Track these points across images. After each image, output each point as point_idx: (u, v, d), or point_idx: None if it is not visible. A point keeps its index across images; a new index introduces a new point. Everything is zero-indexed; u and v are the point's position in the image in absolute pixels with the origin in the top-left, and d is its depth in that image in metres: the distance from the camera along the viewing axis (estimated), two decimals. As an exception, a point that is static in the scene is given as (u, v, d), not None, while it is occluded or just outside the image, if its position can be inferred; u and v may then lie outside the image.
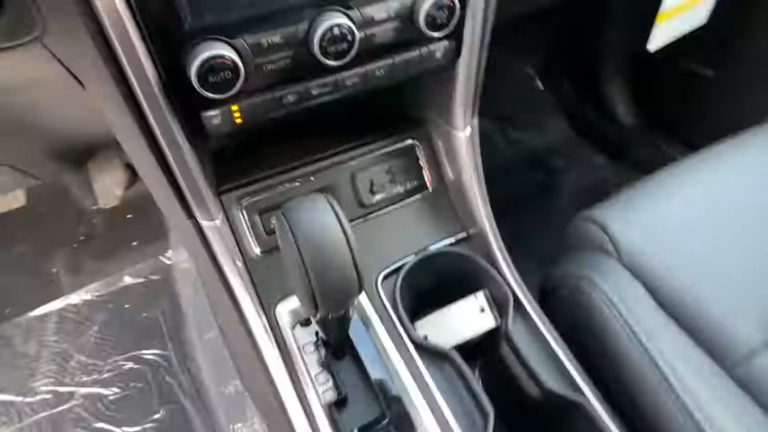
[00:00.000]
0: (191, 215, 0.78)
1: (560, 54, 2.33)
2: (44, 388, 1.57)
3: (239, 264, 0.83)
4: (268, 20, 0.64)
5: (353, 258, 0.60)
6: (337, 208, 0.62)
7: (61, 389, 1.58)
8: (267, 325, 0.83)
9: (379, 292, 0.86)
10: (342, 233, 0.60)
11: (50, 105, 0.72)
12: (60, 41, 0.62)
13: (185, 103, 0.66)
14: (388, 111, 1.01)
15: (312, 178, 0.92)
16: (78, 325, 1.69)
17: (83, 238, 1.78)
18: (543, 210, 1.84)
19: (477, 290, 0.91)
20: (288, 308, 0.86)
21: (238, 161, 0.93)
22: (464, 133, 0.92)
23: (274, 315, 0.84)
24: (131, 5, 0.57)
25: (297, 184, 0.92)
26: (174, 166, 0.71)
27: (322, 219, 0.60)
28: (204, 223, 0.79)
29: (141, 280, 1.72)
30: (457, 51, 0.81)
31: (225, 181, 0.89)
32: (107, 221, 1.80)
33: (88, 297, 1.72)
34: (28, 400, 1.57)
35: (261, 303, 0.85)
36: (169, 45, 0.61)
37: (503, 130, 2.29)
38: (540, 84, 2.52)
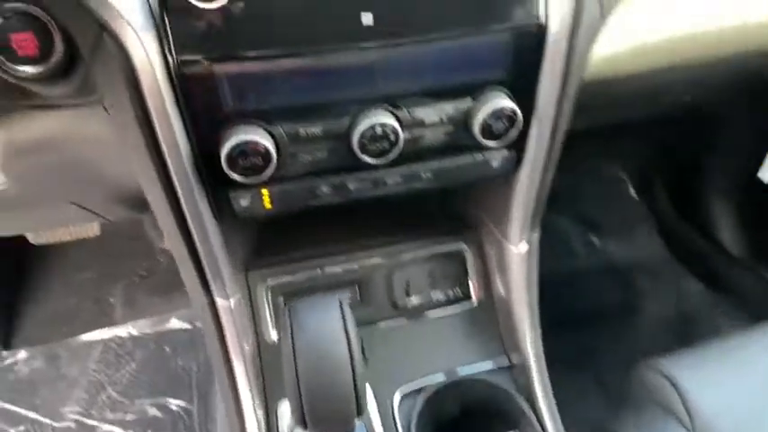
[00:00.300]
0: (207, 291, 0.74)
1: (659, 163, 2.16)
2: (72, 416, 1.58)
3: (248, 349, 0.78)
4: (310, 110, 0.61)
5: (354, 379, 0.53)
6: (349, 318, 0.55)
7: (87, 420, 1.58)
8: (264, 422, 0.75)
9: (393, 414, 0.76)
10: (347, 348, 0.53)
11: (113, 159, 0.72)
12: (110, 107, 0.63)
13: (215, 182, 0.63)
14: (437, 207, 0.94)
15: (344, 268, 0.87)
16: (119, 358, 1.71)
17: (144, 273, 1.84)
18: (613, 336, 1.64)
19: (510, 431, 0.79)
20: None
21: (271, 237, 0.90)
22: (519, 249, 0.83)
23: (275, 412, 0.77)
24: (173, 83, 0.56)
25: (328, 271, 0.86)
26: (197, 242, 0.68)
27: (328, 328, 0.54)
28: (219, 301, 0.75)
29: (186, 326, 1.72)
30: (517, 162, 0.73)
31: (254, 257, 0.86)
32: (170, 261, 1.86)
33: (135, 332, 1.75)
34: (55, 424, 1.58)
35: (265, 395, 0.78)
36: (206, 124, 0.59)
37: (584, 235, 2.12)
38: (632, 191, 2.33)
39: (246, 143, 0.58)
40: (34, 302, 1.76)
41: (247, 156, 0.59)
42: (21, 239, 1.63)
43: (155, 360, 1.68)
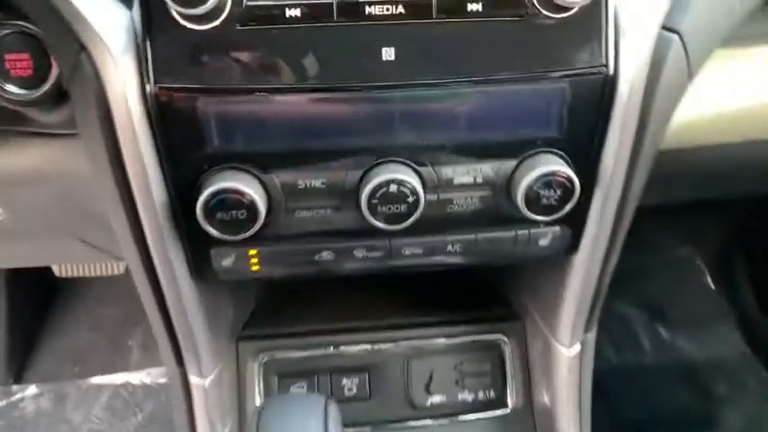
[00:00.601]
0: (180, 362, 0.62)
1: (740, 247, 1.91)
2: (64, 467, 1.48)
3: None
4: (312, 158, 0.51)
5: None
6: (335, 427, 0.42)
7: (79, 473, 1.47)
8: None
9: None
10: None
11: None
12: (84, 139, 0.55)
13: (194, 237, 0.53)
14: (472, 285, 0.80)
15: (355, 349, 0.73)
16: (126, 408, 1.62)
17: (166, 318, 1.77)
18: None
19: None
20: None
21: (273, 303, 0.78)
22: (570, 351, 0.66)
23: None
24: (150, 114, 0.46)
25: (333, 350, 0.73)
26: (169, 305, 0.57)
27: None
28: (192, 379, 0.63)
29: (199, 380, 1.61)
30: (573, 243, 0.58)
31: (250, 323, 0.74)
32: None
33: (147, 381, 1.66)
34: (46, 472, 1.48)
35: None
36: (185, 165, 0.50)
37: (649, 325, 1.87)
38: (710, 280, 2.07)
39: (227, 192, 0.47)
40: (52, 336, 1.72)
41: (228, 207, 0.48)
42: (46, 271, 1.61)
43: (161, 415, 1.57)
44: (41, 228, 0.77)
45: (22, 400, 1.66)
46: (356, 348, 0.74)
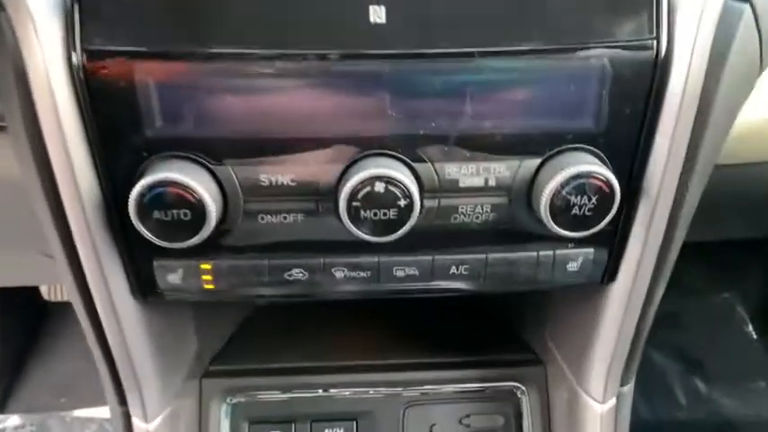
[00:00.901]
0: (122, 401, 0.51)
1: (787, 294, 1.76)
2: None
3: None
4: (279, 147, 0.40)
5: None
6: None
7: None
8: None
9: None
10: None
11: None
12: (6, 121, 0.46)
13: (133, 244, 0.42)
14: (484, 320, 0.68)
15: (344, 393, 0.61)
16: (109, 444, 1.51)
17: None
18: None
19: None
20: None
21: (249, 335, 0.66)
22: (602, 407, 0.53)
23: None
24: (76, 86, 0.37)
25: (317, 394, 0.61)
26: (106, 330, 0.47)
27: None
28: (135, 422, 0.51)
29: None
30: (610, 270, 0.47)
31: (218, 358, 0.62)
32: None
33: (133, 416, 1.54)
34: None
35: None
36: (120, 151, 0.40)
37: (685, 377, 1.72)
38: (751, 328, 1.91)
39: (166, 184, 0.37)
40: (40, 363, 1.64)
41: (168, 205, 0.37)
42: (36, 294, 1.54)
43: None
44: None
45: (3, 430, 1.57)
46: (345, 392, 0.62)
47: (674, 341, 1.70)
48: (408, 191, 0.39)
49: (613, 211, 0.41)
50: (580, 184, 0.39)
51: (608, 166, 0.41)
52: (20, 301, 1.52)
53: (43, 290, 1.51)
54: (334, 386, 0.62)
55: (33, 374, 1.67)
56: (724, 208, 0.72)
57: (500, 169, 0.42)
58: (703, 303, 1.82)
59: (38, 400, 1.62)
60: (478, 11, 0.38)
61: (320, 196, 0.42)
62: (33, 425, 1.59)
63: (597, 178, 0.39)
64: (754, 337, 1.89)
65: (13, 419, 1.60)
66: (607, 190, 0.40)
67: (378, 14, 0.37)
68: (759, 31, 0.43)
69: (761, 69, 0.45)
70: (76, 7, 0.37)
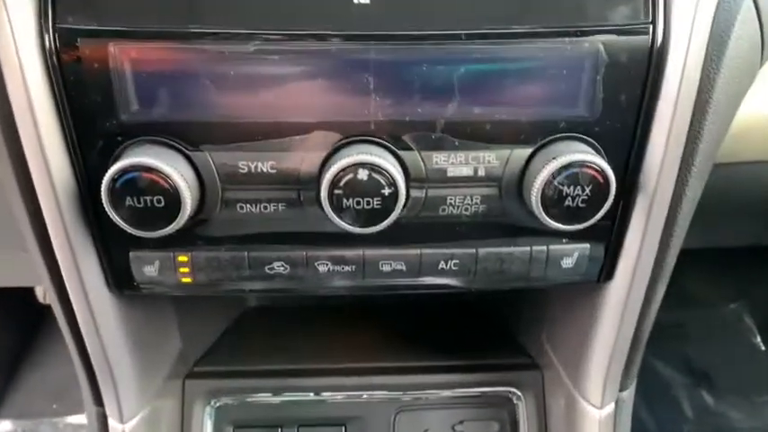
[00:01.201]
0: (98, 401, 0.49)
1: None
2: None
3: None
4: (259, 132, 0.39)
5: None
6: None
7: None
8: None
9: None
10: None
11: None
12: None
13: (108, 234, 0.41)
14: (478, 322, 0.66)
15: (333, 398, 0.59)
16: (100, 451, 1.48)
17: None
18: None
19: None
20: None
21: (238, 334, 0.64)
22: (600, 413, 0.51)
23: None
24: (49, 66, 0.35)
25: (307, 398, 0.59)
26: (80, 324, 0.45)
27: None
28: (111, 423, 0.49)
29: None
30: (607, 267, 0.44)
31: (204, 359, 0.60)
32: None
33: (126, 423, 1.52)
34: None
35: None
36: (93, 135, 0.38)
37: (692, 390, 1.68)
38: (760, 341, 1.87)
39: (138, 168, 0.35)
40: (34, 368, 1.62)
41: (140, 191, 0.36)
42: (31, 297, 1.52)
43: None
44: None
45: (-6, 436, 1.54)
46: (336, 396, 0.59)
47: (680, 352, 1.67)
48: (393, 179, 0.37)
49: (609, 203, 0.39)
50: (573, 173, 0.37)
51: (602, 156, 0.39)
52: (14, 304, 1.51)
53: (38, 293, 1.50)
54: (325, 389, 0.60)
55: (26, 380, 1.65)
56: (726, 210, 0.70)
57: (490, 158, 0.40)
58: (710, 314, 1.79)
59: (30, 406, 1.60)
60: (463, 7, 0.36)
61: (302, 185, 0.40)
62: (25, 430, 1.57)
63: (591, 167, 0.37)
64: (762, 348, 1.85)
65: (5, 425, 1.58)
66: (601, 180, 0.38)
67: None
68: (759, 17, 0.41)
69: (763, 57, 0.43)
70: None
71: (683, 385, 1.71)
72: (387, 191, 0.37)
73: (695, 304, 1.66)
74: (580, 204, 0.38)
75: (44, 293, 1.56)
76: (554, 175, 0.38)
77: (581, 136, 0.40)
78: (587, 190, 0.38)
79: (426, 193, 0.41)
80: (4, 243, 0.70)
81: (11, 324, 1.58)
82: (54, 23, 0.36)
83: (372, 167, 0.37)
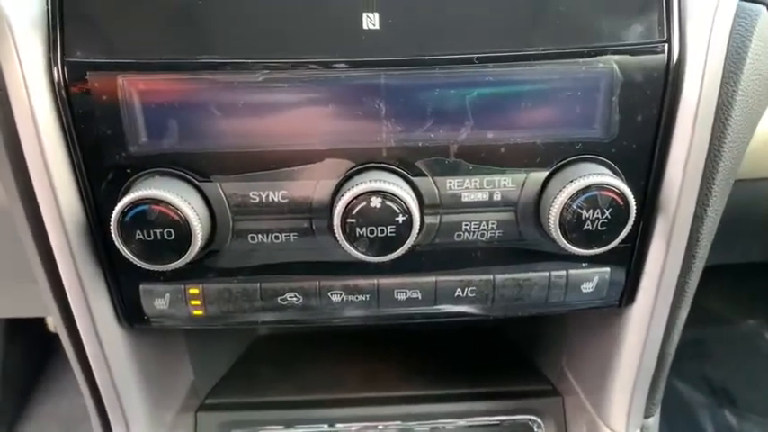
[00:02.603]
0: (107, 428, 0.48)
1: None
2: None
3: None
4: (270, 162, 0.38)
5: None
6: None
7: None
8: None
9: None
10: None
11: None
12: None
13: (118, 268, 0.41)
14: (498, 348, 0.65)
15: (347, 429, 0.58)
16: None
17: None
18: None
19: None
20: None
21: (251, 364, 0.63)
22: None
23: None
24: (58, 99, 0.35)
25: (321, 429, 0.57)
26: (89, 356, 0.44)
27: None
28: None
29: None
30: (628, 291, 0.43)
31: (216, 390, 0.59)
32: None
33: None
34: None
35: None
36: (103, 167, 0.38)
37: (715, 410, 1.63)
38: None
39: (148, 201, 0.35)
40: (45, 398, 1.60)
41: (150, 224, 0.35)
42: (43, 327, 1.52)
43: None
44: None
45: (7, 465, 1.52)
46: (351, 427, 0.58)
47: (700, 371, 1.62)
48: (406, 206, 0.36)
49: (629, 226, 0.38)
50: (591, 196, 0.36)
51: (621, 178, 0.39)
52: (25, 333, 1.51)
53: (49, 323, 1.49)
54: (339, 420, 0.59)
55: (38, 409, 1.64)
56: (745, 226, 0.68)
57: (505, 182, 0.39)
58: (729, 330, 1.74)
59: (40, 437, 1.58)
60: (477, 14, 0.36)
61: (314, 214, 0.39)
62: (37, 461, 1.55)
63: (610, 190, 0.36)
64: (786, 365, 1.79)
65: (17, 455, 1.56)
66: (621, 202, 0.37)
67: (371, 21, 0.36)
68: None
69: None
70: (58, 20, 0.36)
71: (705, 405, 1.66)
72: (400, 218, 0.36)
73: (714, 321, 1.62)
74: (600, 228, 0.37)
75: (55, 324, 1.55)
76: (572, 199, 0.37)
77: (598, 157, 0.39)
78: (607, 213, 0.37)
79: (441, 220, 0.40)
80: (14, 274, 0.70)
81: (22, 353, 1.57)
82: (63, 57, 0.36)
83: (385, 195, 0.36)
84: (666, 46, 0.37)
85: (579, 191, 0.36)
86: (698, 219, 0.42)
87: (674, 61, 0.37)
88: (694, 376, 1.62)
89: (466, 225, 0.40)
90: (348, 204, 0.36)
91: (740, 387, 1.70)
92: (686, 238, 0.42)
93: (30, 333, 1.58)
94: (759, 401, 1.65)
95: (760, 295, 1.70)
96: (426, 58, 0.36)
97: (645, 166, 0.40)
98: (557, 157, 0.39)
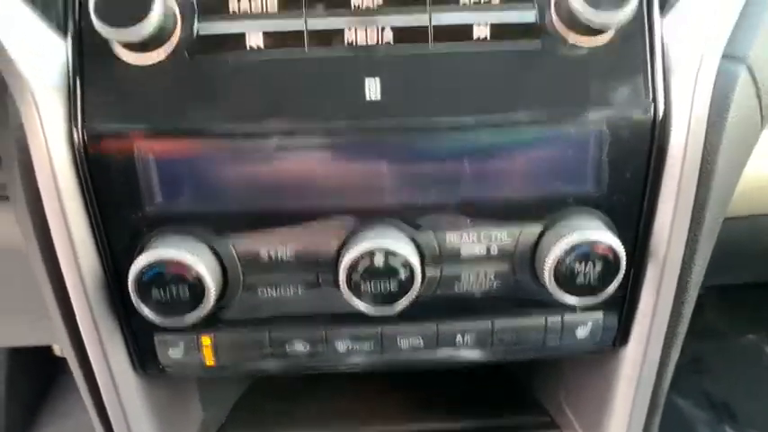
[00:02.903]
0: None
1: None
2: None
3: None
4: (278, 221, 0.40)
5: None
6: None
7: None
8: None
9: None
10: None
11: None
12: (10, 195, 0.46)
13: (134, 319, 0.42)
14: (497, 382, 0.66)
15: None
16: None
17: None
18: None
19: None
20: None
21: (258, 400, 0.65)
22: None
23: None
24: (77, 161, 0.38)
25: None
26: (106, 403, 0.46)
27: None
28: None
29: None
30: (621, 334, 0.45)
31: (226, 427, 0.61)
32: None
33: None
34: None
35: None
36: (119, 226, 0.40)
37: (716, 427, 1.63)
38: None
39: (164, 264, 0.37)
40: (50, 421, 1.60)
41: (166, 284, 0.37)
42: (46, 351, 1.52)
43: None
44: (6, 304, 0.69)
45: (9, 491, 1.51)
46: None
47: (700, 387, 1.63)
48: (408, 262, 0.38)
49: (620, 277, 0.40)
50: (584, 252, 0.38)
51: (612, 229, 0.40)
52: (30, 357, 1.51)
53: (55, 348, 1.50)
54: None
55: (44, 430, 1.64)
56: (735, 257, 0.70)
57: (502, 236, 0.41)
58: (728, 345, 1.75)
59: (48, 460, 1.58)
60: (473, 82, 0.38)
61: (320, 268, 0.41)
62: (42, 485, 1.55)
63: (601, 246, 0.39)
64: (787, 379, 1.79)
65: (23, 480, 1.56)
66: (611, 257, 0.39)
67: (373, 91, 0.38)
68: (757, 89, 0.42)
69: (762, 125, 0.45)
70: (78, 86, 0.38)
71: (705, 421, 1.66)
72: (403, 274, 0.38)
73: (712, 336, 1.63)
74: (592, 281, 0.39)
75: (61, 348, 1.56)
76: (565, 254, 0.38)
77: (591, 209, 0.41)
78: (598, 266, 0.39)
79: (441, 272, 0.42)
80: (25, 308, 0.72)
81: (26, 378, 1.58)
82: (83, 122, 0.38)
83: (388, 252, 0.38)
84: (652, 105, 0.39)
85: (572, 247, 0.38)
86: (686, 264, 0.44)
87: (660, 119, 0.39)
88: (694, 392, 1.62)
89: (465, 276, 0.42)
90: (353, 261, 0.38)
91: (740, 401, 1.70)
92: (675, 285, 0.44)
93: (35, 354, 1.58)
94: (759, 415, 1.65)
95: (759, 309, 1.71)
96: (425, 125, 0.38)
97: (635, 217, 0.41)
98: (550, 211, 0.41)
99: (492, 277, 0.42)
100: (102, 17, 0.35)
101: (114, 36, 0.35)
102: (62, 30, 0.39)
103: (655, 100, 0.39)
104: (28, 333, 0.96)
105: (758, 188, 0.55)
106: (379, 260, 0.38)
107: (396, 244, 0.38)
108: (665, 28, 0.40)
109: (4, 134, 0.40)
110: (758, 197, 0.56)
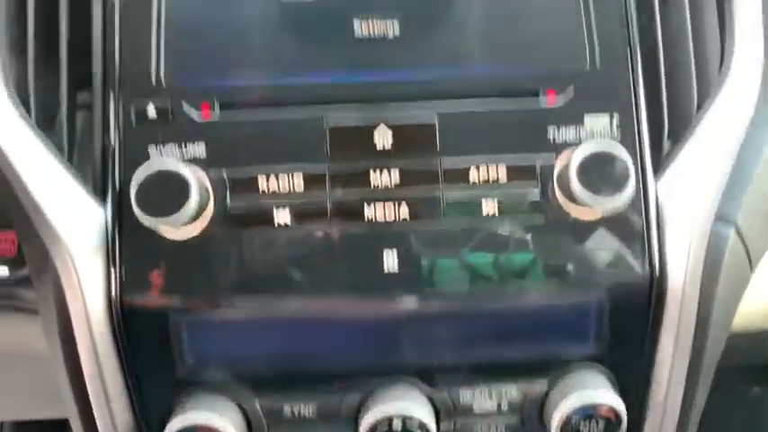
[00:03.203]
0: None
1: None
2: None
3: None
4: (300, 381, 0.44)
5: None
6: None
7: None
8: None
9: None
10: None
11: None
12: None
13: None
14: None
15: None
16: None
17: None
18: None
19: None
20: None
21: None
22: None
23: None
24: (115, 326, 0.41)
25: None
26: None
27: None
28: None
29: None
30: None
31: None
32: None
33: None
34: None
35: None
36: (152, 386, 0.44)
37: None
38: None
39: (196, 428, 0.39)
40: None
41: None
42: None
43: None
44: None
45: None
46: None
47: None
48: (424, 424, 0.41)
49: (623, 429, 0.43)
50: (588, 414, 0.41)
51: (615, 386, 0.43)
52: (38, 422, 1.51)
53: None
54: None
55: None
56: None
57: (511, 393, 0.44)
58: (732, 400, 1.74)
59: None
60: (485, 258, 0.41)
61: (340, 424, 0.44)
62: None
63: (603, 409, 0.41)
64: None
65: None
66: (614, 419, 0.41)
67: (391, 261, 0.41)
68: (745, 246, 0.46)
69: (750, 274, 0.48)
70: (117, 257, 0.41)
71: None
72: None
73: (715, 391, 1.62)
74: None
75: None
76: (572, 413, 0.41)
77: (594, 365, 0.44)
78: (601, 425, 0.42)
79: (455, 426, 0.44)
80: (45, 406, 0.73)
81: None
82: (120, 292, 0.41)
83: (406, 419, 0.41)
84: (649, 272, 0.42)
85: (578, 408, 0.41)
86: (686, 405, 0.47)
87: (656, 283, 0.42)
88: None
89: (477, 428, 0.45)
90: (372, 426, 0.41)
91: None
92: (676, 423, 0.47)
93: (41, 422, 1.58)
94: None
95: (762, 363, 1.69)
96: (441, 295, 0.41)
97: (636, 372, 0.44)
98: (555, 370, 0.44)
99: (503, 429, 0.45)
100: (144, 208, 0.38)
101: (156, 224, 0.38)
102: (98, 195, 0.42)
103: (651, 264, 0.42)
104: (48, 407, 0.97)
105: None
106: (397, 425, 0.41)
107: (412, 407, 0.41)
108: (659, 191, 0.44)
109: (42, 289, 0.42)
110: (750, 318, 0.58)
